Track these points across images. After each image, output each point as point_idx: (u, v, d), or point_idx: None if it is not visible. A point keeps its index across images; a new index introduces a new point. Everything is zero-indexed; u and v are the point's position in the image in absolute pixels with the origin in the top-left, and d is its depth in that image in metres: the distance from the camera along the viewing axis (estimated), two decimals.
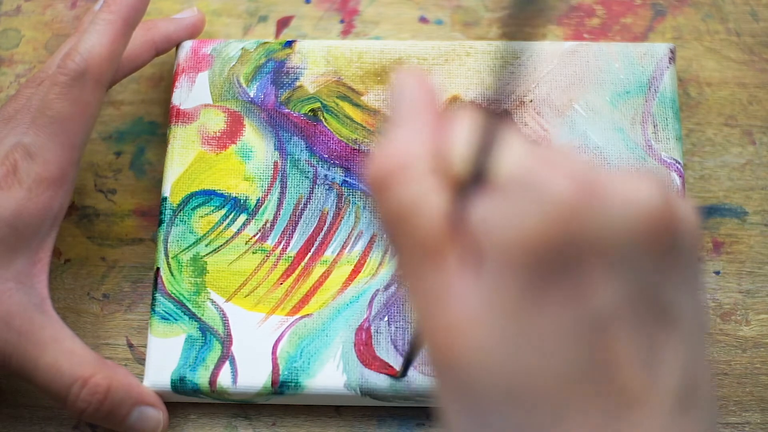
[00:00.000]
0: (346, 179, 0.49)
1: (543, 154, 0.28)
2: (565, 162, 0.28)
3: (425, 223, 0.28)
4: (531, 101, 0.51)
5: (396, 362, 0.46)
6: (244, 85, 0.51)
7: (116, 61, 0.45)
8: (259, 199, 0.49)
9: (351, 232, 0.49)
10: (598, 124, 0.50)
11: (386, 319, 0.47)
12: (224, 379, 0.46)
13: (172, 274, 0.48)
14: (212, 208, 0.49)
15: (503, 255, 0.27)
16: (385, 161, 0.29)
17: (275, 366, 0.46)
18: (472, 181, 0.28)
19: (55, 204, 0.44)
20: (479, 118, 0.29)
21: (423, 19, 0.56)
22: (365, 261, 0.48)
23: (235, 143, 0.50)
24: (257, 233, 0.49)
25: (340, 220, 0.49)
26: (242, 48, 0.52)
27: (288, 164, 0.50)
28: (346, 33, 0.55)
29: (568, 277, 0.26)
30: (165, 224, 0.49)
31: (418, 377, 0.46)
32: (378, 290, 0.47)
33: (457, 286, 0.27)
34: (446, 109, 0.31)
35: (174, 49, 0.52)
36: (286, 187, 0.49)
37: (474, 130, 0.28)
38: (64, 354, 0.43)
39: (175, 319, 0.47)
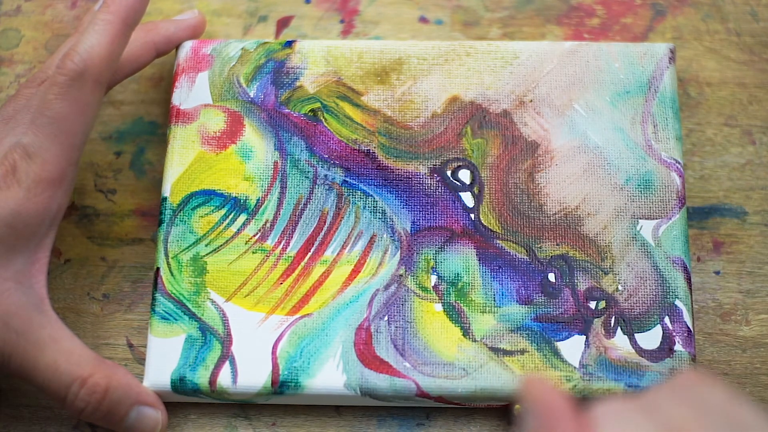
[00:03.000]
0: (346, 179, 0.49)
1: None
2: None
3: None
4: (531, 101, 0.51)
5: (396, 361, 0.46)
6: (244, 85, 0.51)
7: (115, 61, 0.45)
8: (259, 199, 0.49)
9: (351, 232, 0.49)
10: (598, 124, 0.50)
11: (386, 318, 0.47)
12: (224, 379, 0.46)
13: (172, 274, 0.48)
14: (212, 208, 0.49)
15: None
16: None
17: (275, 366, 0.46)
18: None
19: (53, 204, 0.44)
20: None
21: (423, 19, 0.56)
22: (365, 261, 0.48)
23: (235, 143, 0.50)
24: (257, 233, 0.49)
25: (340, 220, 0.49)
26: (242, 48, 0.52)
27: (288, 164, 0.50)
28: (346, 33, 0.56)
29: None
30: (165, 224, 0.49)
31: (419, 377, 0.46)
32: (378, 290, 0.47)
33: None
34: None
35: (174, 49, 0.52)
36: (286, 187, 0.49)
37: None
38: (63, 353, 0.43)
39: (175, 319, 0.47)
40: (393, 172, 0.49)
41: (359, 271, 0.48)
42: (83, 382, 0.43)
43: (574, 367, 0.46)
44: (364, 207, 0.49)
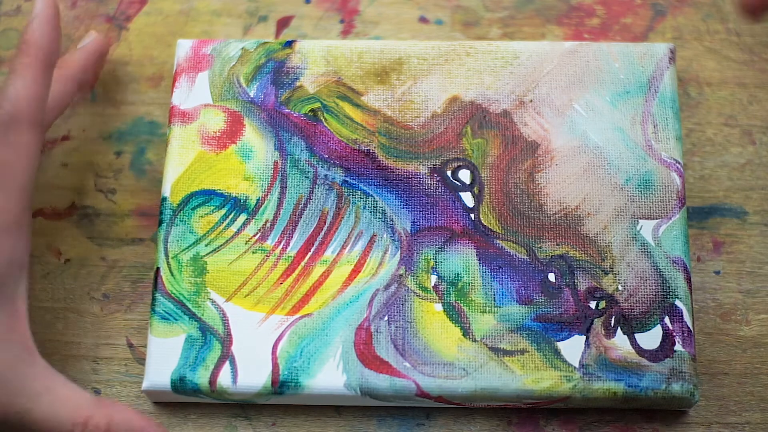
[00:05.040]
0: (346, 179, 0.49)
1: None
2: None
3: None
4: (531, 101, 0.51)
5: (396, 361, 0.46)
6: (244, 85, 0.51)
7: (44, 100, 0.45)
8: (259, 199, 0.49)
9: (351, 232, 0.49)
10: (598, 124, 0.50)
11: (386, 318, 0.47)
12: (224, 379, 0.46)
13: (172, 274, 0.48)
14: (212, 208, 0.49)
15: None
16: None
17: (275, 366, 0.46)
18: None
19: (17, 252, 0.43)
20: None
21: (423, 19, 0.56)
22: (365, 261, 0.48)
23: (235, 143, 0.50)
24: (257, 233, 0.49)
25: (340, 220, 0.49)
26: (242, 48, 0.52)
27: (288, 164, 0.50)
28: (346, 33, 0.56)
29: None
30: (165, 224, 0.49)
31: (419, 377, 0.46)
32: (378, 290, 0.47)
33: None
34: None
35: (174, 48, 0.52)
36: (286, 187, 0.49)
37: None
38: (59, 401, 0.43)
39: (175, 319, 0.47)
40: (393, 172, 0.50)
41: (359, 271, 0.48)
42: (84, 425, 0.43)
43: (575, 367, 0.46)
44: (364, 207, 0.49)
